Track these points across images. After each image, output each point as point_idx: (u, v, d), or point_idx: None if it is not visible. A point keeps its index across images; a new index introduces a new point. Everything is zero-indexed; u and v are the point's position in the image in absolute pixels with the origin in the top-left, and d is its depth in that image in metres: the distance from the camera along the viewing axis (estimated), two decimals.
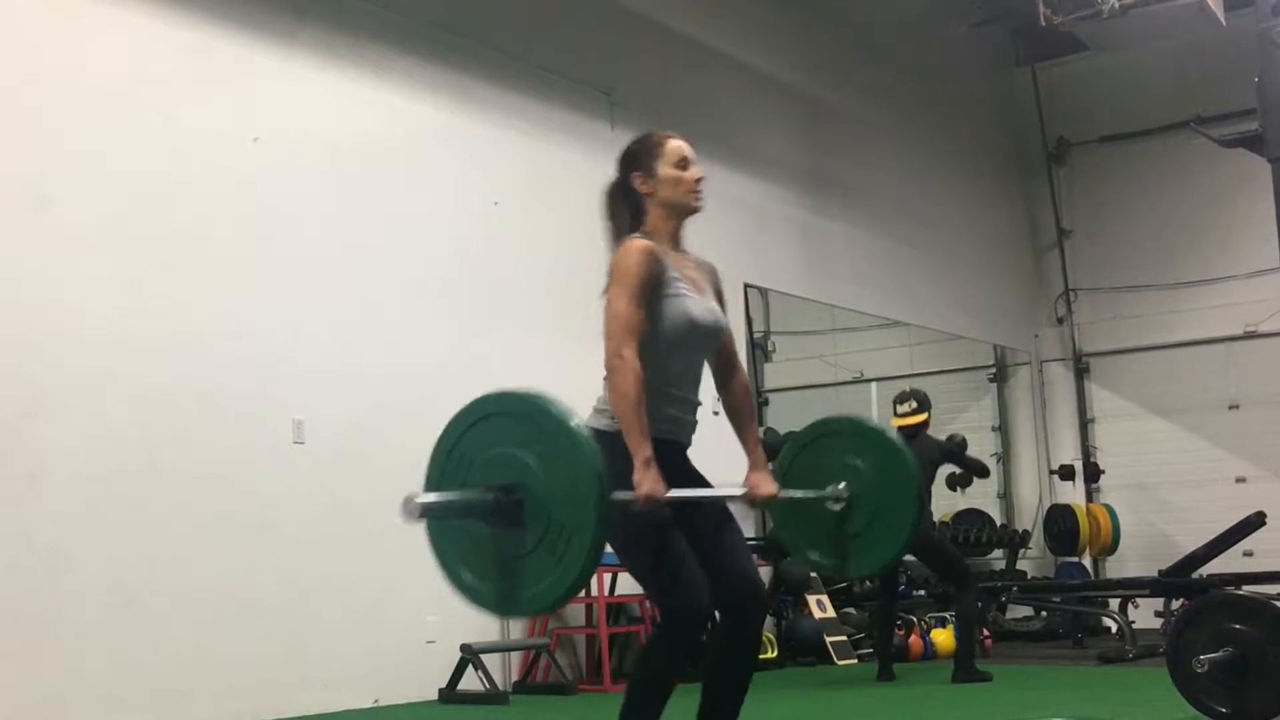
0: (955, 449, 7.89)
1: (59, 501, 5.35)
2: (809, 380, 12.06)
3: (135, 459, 5.64)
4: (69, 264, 5.55)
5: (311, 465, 6.33)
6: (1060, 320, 13.17)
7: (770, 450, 9.68)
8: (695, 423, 3.21)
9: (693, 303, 3.14)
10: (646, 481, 2.91)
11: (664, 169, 3.20)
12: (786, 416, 10.35)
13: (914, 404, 7.65)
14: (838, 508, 3.60)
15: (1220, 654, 4.53)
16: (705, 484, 3.23)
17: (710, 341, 3.23)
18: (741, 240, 9.31)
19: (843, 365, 12.16)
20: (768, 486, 3.29)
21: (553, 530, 2.76)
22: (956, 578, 7.26)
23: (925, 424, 7.64)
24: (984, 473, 8.28)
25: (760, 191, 9.65)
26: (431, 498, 2.92)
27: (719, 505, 3.23)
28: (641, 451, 2.93)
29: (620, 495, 2.86)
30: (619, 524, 3.00)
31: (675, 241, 3.23)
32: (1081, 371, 13.09)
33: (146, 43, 5.99)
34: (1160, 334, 12.51)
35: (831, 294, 10.51)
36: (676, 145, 3.24)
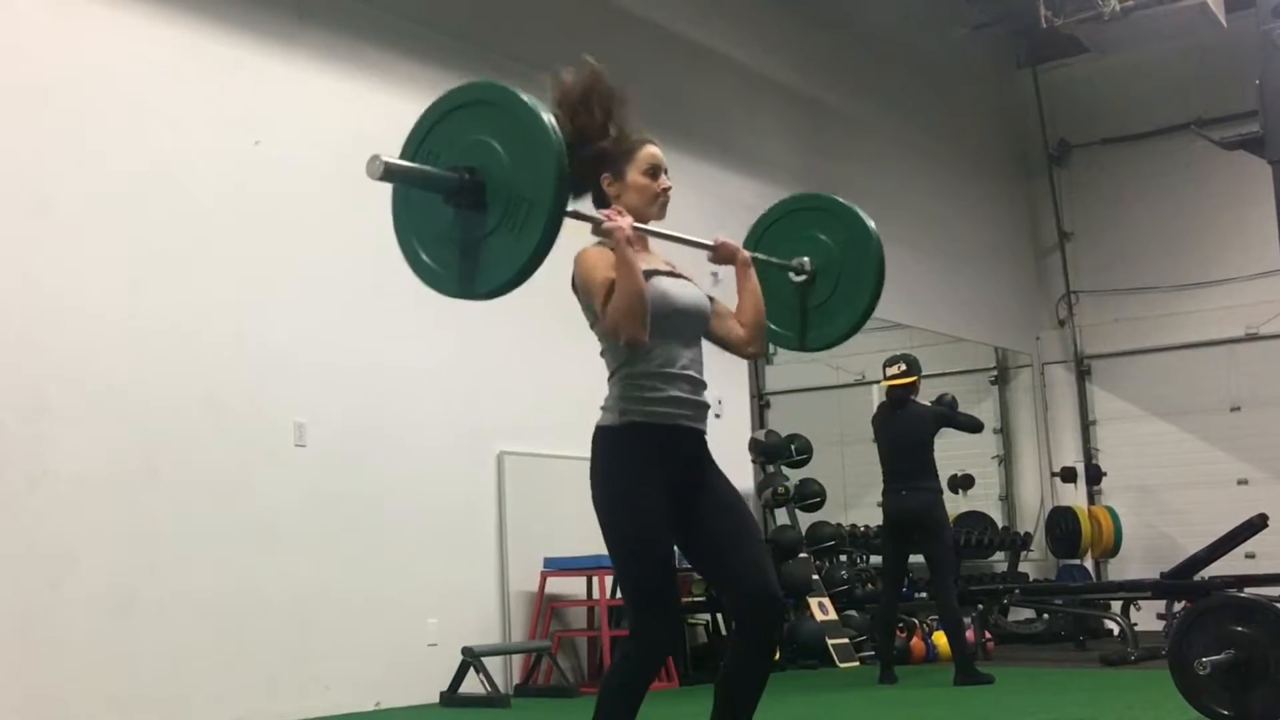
0: (947, 410, 7.82)
1: (61, 504, 5.35)
2: (810, 383, 12.06)
3: (137, 462, 5.65)
4: (71, 267, 5.56)
5: (313, 468, 6.33)
6: (1062, 322, 13.16)
7: (770, 452, 9.73)
8: (706, 405, 3.18)
9: (666, 282, 3.13)
10: (619, 218, 2.99)
11: (634, 174, 3.20)
12: (788, 419, 10.36)
13: (903, 365, 7.54)
14: (800, 279, 3.65)
15: (1222, 656, 4.52)
16: (727, 483, 3.18)
17: (699, 319, 3.20)
18: (742, 242, 9.30)
19: (844, 368, 12.15)
20: (736, 244, 3.40)
21: (513, 206, 2.81)
22: (940, 566, 7.22)
23: (914, 388, 7.53)
24: (978, 427, 8.22)
25: (760, 193, 9.61)
26: (396, 161, 2.98)
27: (734, 499, 3.18)
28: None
29: (589, 215, 3.00)
30: (611, 526, 3.01)
31: (642, 244, 3.21)
32: (1083, 374, 13.08)
33: (148, 45, 6.00)
34: (1162, 336, 12.50)
35: None
36: (650, 152, 3.24)
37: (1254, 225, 12.05)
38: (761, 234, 3.84)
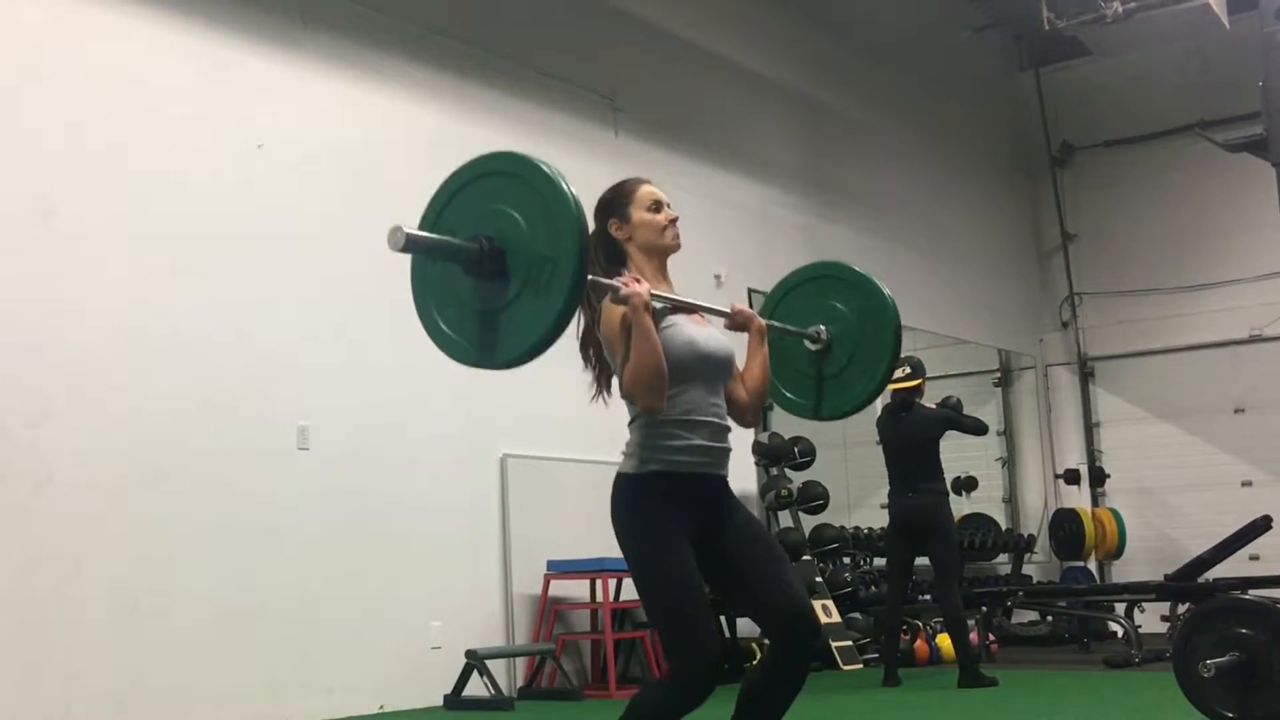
0: (952, 412, 7.82)
1: (65, 508, 5.36)
2: None
3: (140, 466, 5.65)
4: (74, 271, 5.57)
5: (316, 471, 6.34)
6: (1065, 324, 13.16)
7: (774, 455, 9.73)
8: (729, 450, 3.19)
9: (689, 328, 3.16)
10: (630, 284, 3.01)
11: (637, 213, 3.25)
12: (791, 421, 10.34)
13: (908, 369, 7.51)
14: (816, 348, 3.65)
15: (1227, 658, 4.52)
16: (749, 515, 3.19)
17: (724, 365, 3.22)
18: (745, 245, 9.32)
19: None
20: (752, 311, 3.40)
21: (534, 271, 2.82)
22: (944, 568, 7.22)
23: (919, 391, 7.53)
24: (983, 429, 8.22)
25: (764, 196, 9.66)
26: (417, 232, 2.95)
27: (755, 527, 3.19)
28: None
29: (604, 281, 3.00)
30: (637, 560, 3.01)
31: (661, 279, 3.25)
32: (1086, 375, 13.08)
33: (151, 49, 6.01)
34: (1165, 338, 12.50)
35: None
36: (648, 190, 3.29)
37: (1258, 227, 12.06)
38: (778, 301, 3.82)
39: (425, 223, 3.06)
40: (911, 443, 7.37)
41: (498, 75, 7.58)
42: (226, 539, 5.90)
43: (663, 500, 3.03)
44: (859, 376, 3.66)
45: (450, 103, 7.30)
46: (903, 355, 7.71)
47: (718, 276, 8.84)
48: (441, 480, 6.93)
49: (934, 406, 7.69)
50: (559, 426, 7.22)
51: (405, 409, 6.79)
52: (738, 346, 3.26)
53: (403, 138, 7.07)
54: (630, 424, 3.13)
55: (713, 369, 3.18)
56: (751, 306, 9.52)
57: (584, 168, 7.70)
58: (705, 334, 3.20)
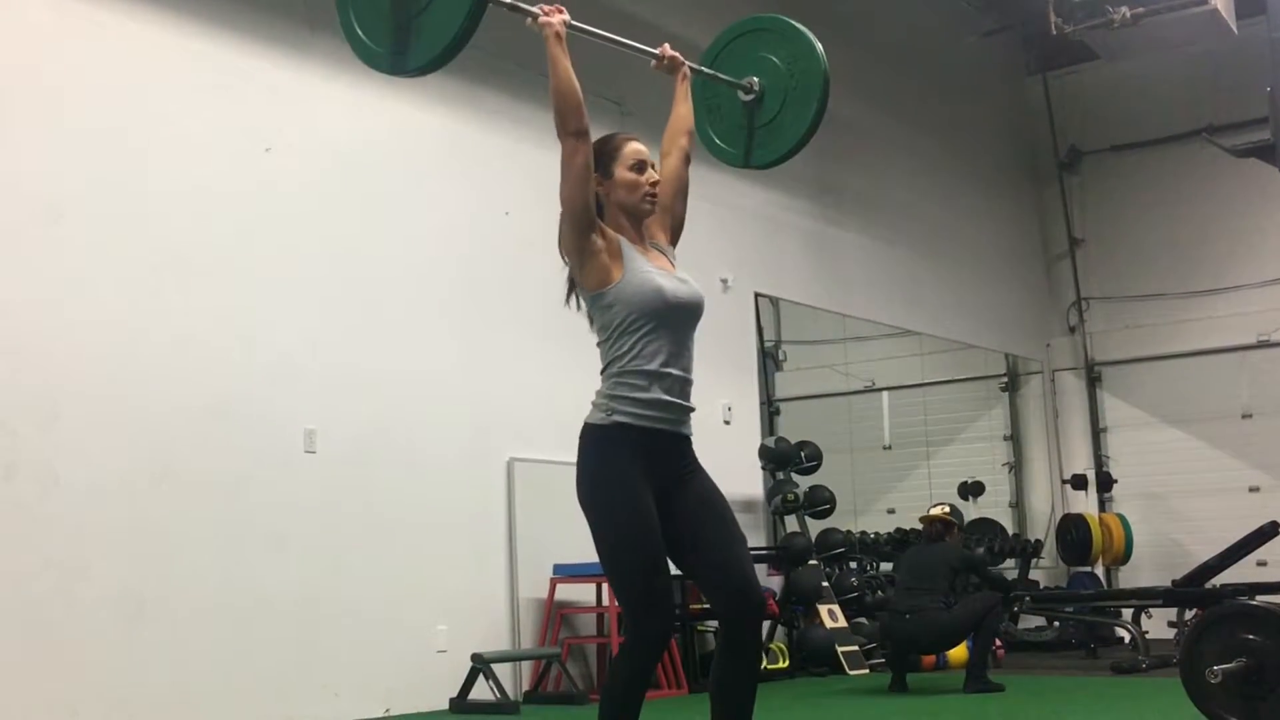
0: (977, 561, 7.95)
1: (72, 511, 5.37)
2: (820, 389, 12.05)
3: (148, 469, 5.66)
4: (81, 274, 5.58)
5: (323, 474, 6.34)
6: (1072, 329, 13.14)
7: (780, 459, 9.70)
8: (692, 407, 3.21)
9: (659, 276, 3.17)
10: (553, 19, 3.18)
11: (620, 171, 3.26)
12: (798, 425, 10.35)
13: (948, 508, 7.75)
14: (749, 99, 3.73)
15: (1234, 665, 4.51)
16: (711, 484, 3.21)
17: (693, 314, 3.23)
18: (752, 249, 9.31)
19: (854, 374, 12.15)
20: (680, 55, 3.55)
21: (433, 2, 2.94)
22: (987, 612, 7.23)
23: (952, 529, 7.66)
24: (1004, 587, 8.30)
25: (771, 201, 9.65)
26: None
27: (716, 499, 3.20)
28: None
29: (523, 4, 3.17)
30: (598, 524, 3.05)
31: (637, 239, 3.27)
32: (1094, 380, 13.06)
33: (159, 54, 6.02)
34: (1173, 343, 12.47)
35: (842, 303, 10.50)
36: (634, 148, 3.30)
37: (1265, 232, 12.07)
38: (715, 56, 3.94)
39: None
40: (930, 567, 7.37)
41: (505, 79, 7.58)
42: (233, 541, 5.91)
43: (627, 453, 3.05)
44: (789, 121, 3.76)
45: (457, 107, 7.30)
46: (943, 502, 7.87)
47: (724, 280, 8.84)
48: (448, 484, 6.94)
49: (963, 549, 7.82)
50: (566, 430, 7.15)
51: (412, 412, 6.80)
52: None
53: (410, 142, 7.08)
54: (603, 372, 3.15)
55: (682, 317, 3.19)
56: (758, 311, 9.56)
57: None
58: (674, 283, 3.20)
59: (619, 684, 3.07)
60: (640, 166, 3.26)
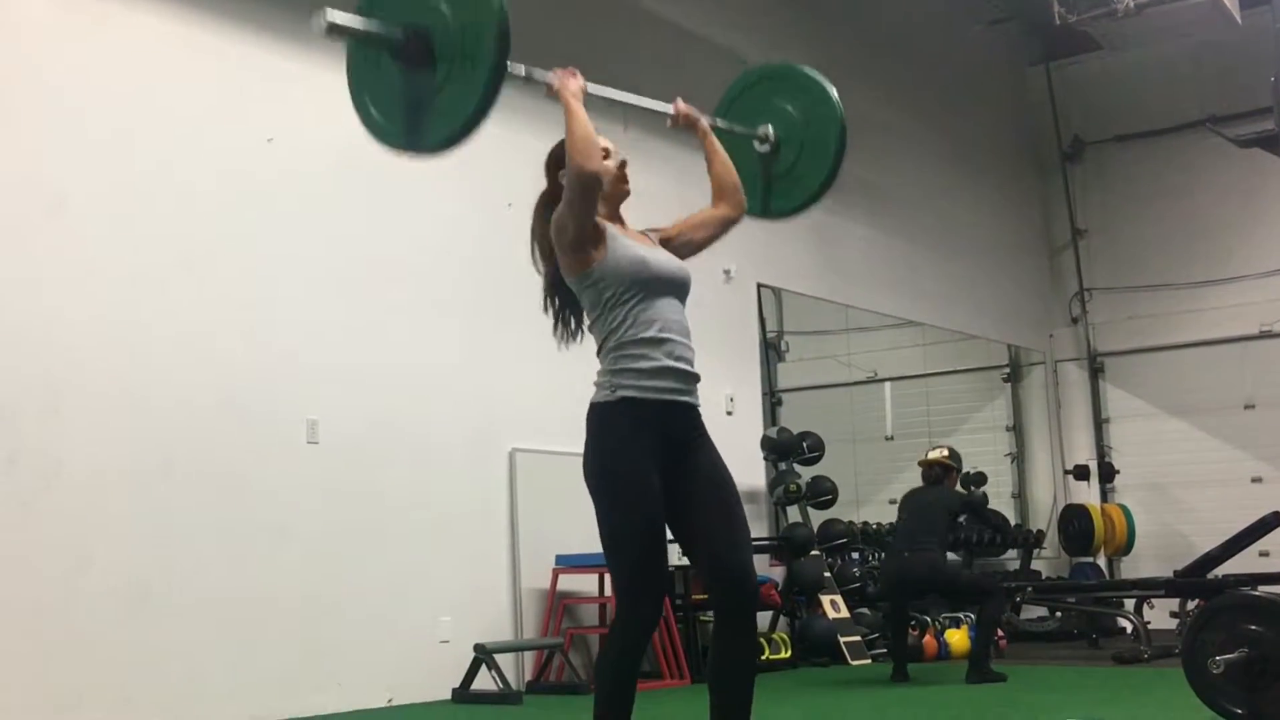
0: (976, 503, 7.95)
1: (76, 502, 5.38)
2: (823, 380, 12.05)
3: (150, 459, 5.67)
4: (83, 265, 5.58)
5: (326, 465, 6.34)
6: (1075, 320, 13.13)
7: (782, 450, 9.71)
8: (696, 375, 3.21)
9: (639, 248, 3.21)
10: (571, 84, 3.13)
11: None
12: (800, 416, 10.35)
13: (945, 451, 7.74)
14: (764, 148, 3.67)
15: (1236, 655, 4.51)
16: (721, 464, 3.21)
17: (678, 283, 3.24)
18: (755, 240, 9.29)
19: (856, 365, 12.15)
20: (695, 110, 3.47)
21: (458, 50, 2.92)
22: (983, 595, 7.28)
23: (951, 473, 7.66)
24: (999, 527, 8.32)
25: None
26: (339, 16, 3.05)
27: (723, 478, 3.21)
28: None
29: (537, 73, 3.11)
30: (603, 507, 3.06)
31: (616, 223, 3.30)
32: (1096, 371, 13.05)
33: (160, 43, 6.01)
34: (1175, 334, 12.46)
35: (845, 294, 10.50)
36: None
37: (1268, 222, 12.05)
38: (728, 107, 3.88)
39: (360, 11, 3.16)
40: (928, 510, 7.41)
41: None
42: (236, 532, 5.92)
43: (634, 428, 3.06)
44: (807, 171, 3.71)
45: None
46: (942, 443, 7.85)
47: (726, 272, 8.84)
48: (451, 475, 6.94)
49: (962, 491, 7.80)
50: (568, 421, 7.16)
51: (415, 403, 6.80)
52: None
53: None
54: (599, 352, 3.16)
55: (668, 287, 3.21)
56: (760, 300, 9.56)
57: None
58: (656, 254, 3.24)
59: (609, 663, 3.09)
60: (605, 154, 3.29)
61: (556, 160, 3.31)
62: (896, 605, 7.47)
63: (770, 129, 3.70)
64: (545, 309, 3.29)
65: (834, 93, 3.73)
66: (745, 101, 3.86)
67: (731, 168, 3.43)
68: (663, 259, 3.24)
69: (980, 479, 11.65)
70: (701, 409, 3.25)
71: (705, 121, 3.48)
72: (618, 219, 3.31)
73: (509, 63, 2.95)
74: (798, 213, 3.85)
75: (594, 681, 3.13)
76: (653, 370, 3.10)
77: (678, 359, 3.15)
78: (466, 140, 2.97)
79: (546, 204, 3.32)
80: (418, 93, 3.03)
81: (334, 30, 3.02)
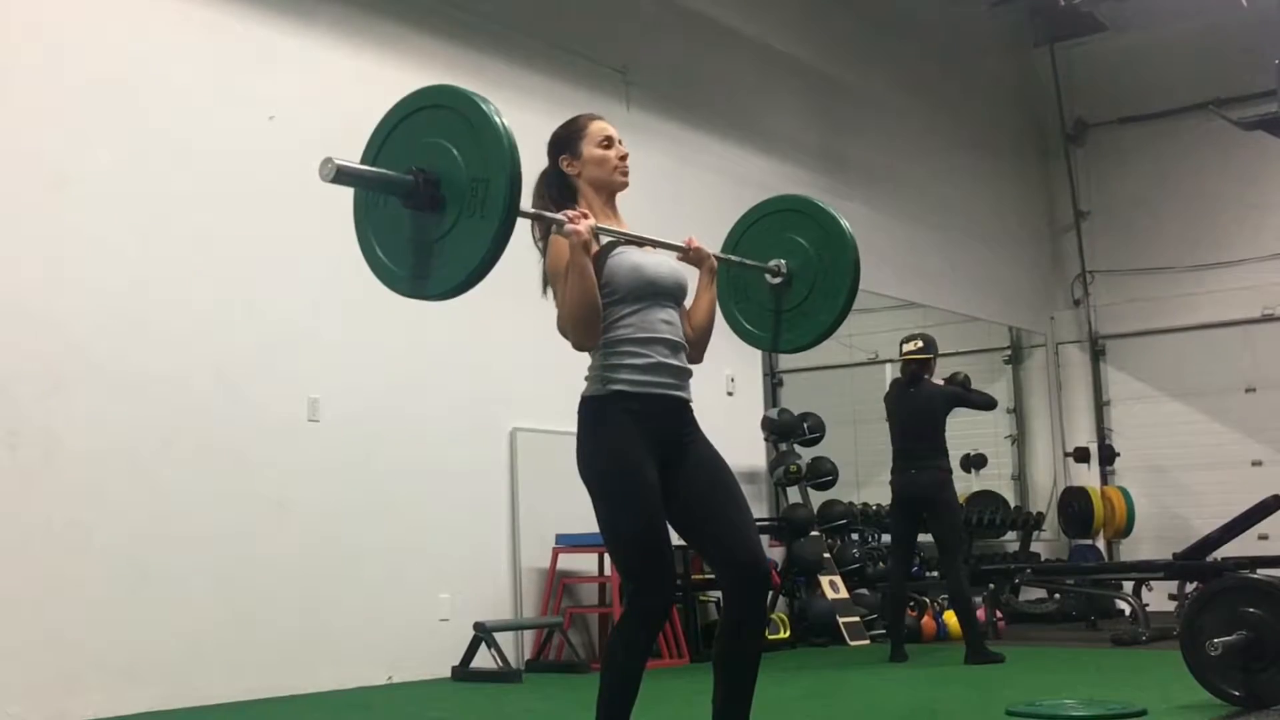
0: (960, 389, 7.83)
1: (76, 479, 5.38)
2: (824, 361, 12.03)
3: (152, 437, 5.67)
4: (84, 241, 5.58)
5: (326, 443, 6.35)
6: (1077, 302, 13.12)
7: (783, 430, 9.72)
8: (688, 370, 3.22)
9: (636, 254, 3.19)
10: (580, 221, 3.03)
11: (588, 149, 3.28)
12: (801, 397, 10.35)
13: (920, 343, 7.57)
14: (776, 281, 3.65)
15: (1234, 637, 4.52)
16: (714, 452, 3.21)
17: (674, 289, 3.23)
18: (720, 244, 9.28)
19: (858, 346, 12.14)
20: (705, 247, 3.39)
21: (468, 198, 2.86)
22: (948, 544, 7.25)
23: (929, 366, 7.54)
24: (991, 404, 8.24)
25: (775, 171, 9.62)
26: (349, 164, 3.00)
27: (719, 466, 3.21)
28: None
29: (547, 215, 3.04)
30: (600, 494, 3.05)
31: (611, 216, 3.30)
32: (1097, 354, 13.05)
33: (163, 20, 6.00)
34: (1177, 316, 12.46)
35: None
36: (599, 125, 3.32)
37: (1271, 206, 12.03)
38: (740, 236, 3.84)
39: (366, 158, 3.11)
40: (917, 418, 7.38)
41: (510, 48, 7.55)
42: (236, 510, 5.93)
43: (627, 421, 3.05)
44: (819, 308, 3.68)
45: (461, 75, 7.26)
46: (915, 331, 7.79)
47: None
48: (451, 453, 6.95)
49: (942, 383, 7.68)
50: (569, 401, 7.17)
51: (416, 382, 6.80)
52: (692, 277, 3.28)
53: None
54: (592, 351, 3.16)
55: (663, 292, 3.20)
56: None
57: None
58: (654, 260, 3.22)
59: (617, 655, 3.07)
60: (608, 142, 3.28)
61: (557, 143, 3.31)
62: (906, 529, 7.43)
63: (783, 263, 3.66)
64: (544, 293, 3.28)
65: (848, 230, 3.70)
66: (759, 230, 3.82)
67: (712, 319, 3.37)
68: (659, 266, 3.22)
69: (981, 460, 11.66)
70: (697, 408, 3.25)
71: (714, 260, 3.40)
72: (611, 210, 3.29)
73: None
74: (807, 348, 3.84)
75: (600, 673, 3.11)
76: (646, 366, 3.10)
77: (673, 357, 3.16)
78: (472, 287, 2.92)
79: (547, 185, 3.30)
80: (425, 236, 2.96)
81: (343, 175, 2.94)
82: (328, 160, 2.89)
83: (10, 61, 5.44)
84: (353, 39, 6.78)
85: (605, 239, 3.13)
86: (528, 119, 8.47)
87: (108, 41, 5.78)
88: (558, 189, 3.28)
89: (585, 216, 3.06)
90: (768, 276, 3.69)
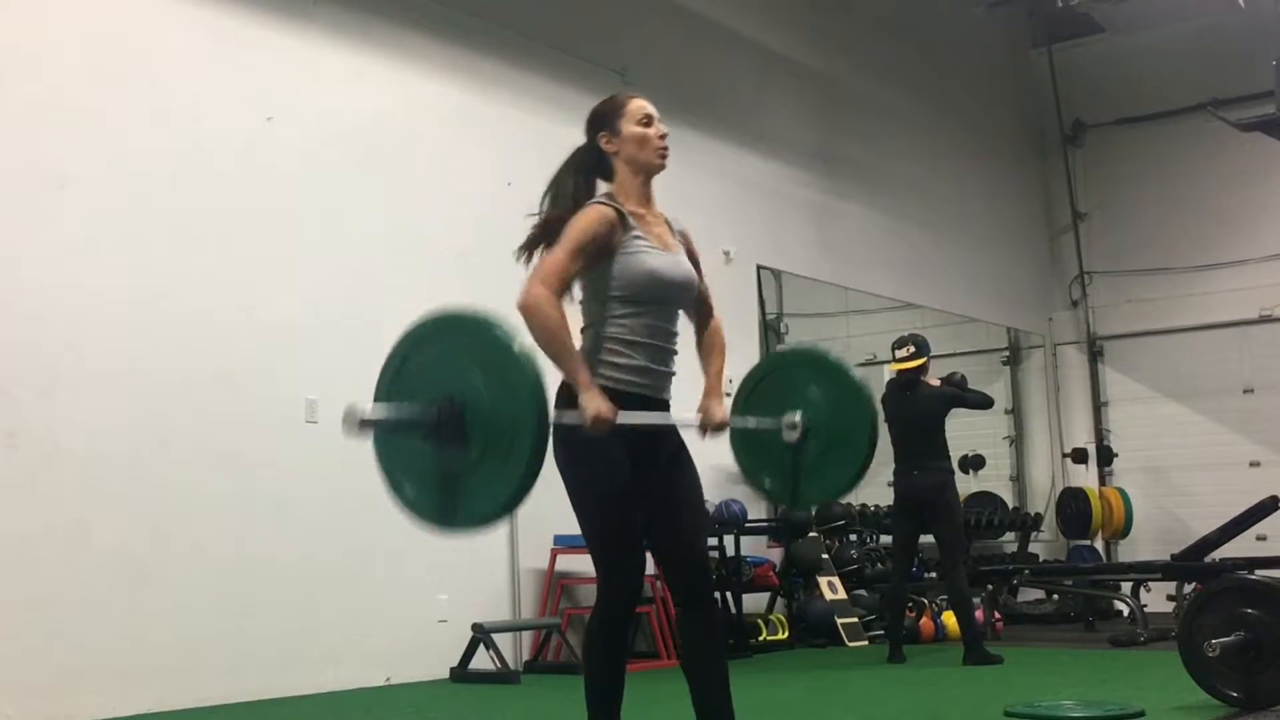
0: (957, 390, 7.80)
1: (74, 479, 5.38)
2: None
3: (150, 437, 5.67)
4: (83, 242, 5.57)
5: (325, 444, 6.32)
6: (1075, 303, 13.13)
7: None
8: (673, 373, 3.23)
9: (654, 256, 3.15)
10: (593, 404, 2.94)
11: (628, 127, 3.24)
12: None
13: (912, 348, 7.50)
14: (793, 436, 3.63)
15: (1232, 638, 4.53)
16: (685, 457, 3.23)
17: (683, 295, 3.23)
18: (756, 222, 9.29)
19: (856, 347, 12.13)
20: (719, 413, 3.33)
21: (487, 455, 2.82)
22: (949, 545, 7.25)
23: (924, 369, 7.50)
24: (988, 404, 8.22)
25: (774, 173, 9.63)
26: (373, 411, 2.95)
27: (685, 464, 3.23)
28: (580, 376, 2.98)
29: (568, 416, 2.94)
30: (576, 487, 3.07)
31: (644, 199, 3.26)
32: (1095, 355, 13.06)
33: (162, 21, 6.00)
34: (1175, 317, 12.47)
35: (845, 276, 10.49)
36: (640, 104, 3.28)
37: (1269, 207, 12.04)
38: (753, 388, 3.81)
39: (380, 386, 3.05)
40: (917, 421, 7.37)
41: (507, 49, 7.55)
42: (235, 511, 5.92)
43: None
44: (835, 467, 3.62)
45: (459, 76, 7.28)
46: (906, 334, 7.78)
47: (726, 253, 8.82)
48: None
49: (938, 383, 7.67)
50: None
51: None
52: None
53: (412, 111, 7.06)
54: (583, 330, 3.16)
55: (670, 293, 3.19)
56: (760, 282, 9.55)
57: None
58: (669, 262, 3.19)
59: (594, 643, 3.12)
60: (647, 120, 3.25)
61: (596, 119, 3.28)
62: (909, 530, 7.44)
63: (797, 418, 3.62)
64: (520, 254, 3.23)
65: (864, 384, 3.67)
66: (770, 385, 3.77)
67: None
68: (675, 269, 3.19)
69: (979, 461, 11.66)
70: (671, 401, 3.26)
71: (725, 423, 3.37)
72: (646, 195, 3.25)
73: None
74: (824, 502, 3.84)
75: (583, 667, 3.13)
76: (630, 367, 3.11)
77: (659, 363, 3.17)
78: (500, 522, 2.88)
79: (580, 164, 3.27)
80: (451, 469, 2.89)
81: (368, 426, 2.90)
82: (350, 413, 2.84)
83: (10, 61, 5.44)
84: (351, 39, 6.78)
85: (626, 420, 3.02)
86: (525, 119, 8.50)
87: (108, 41, 5.78)
88: (591, 168, 3.25)
89: (607, 420, 2.96)
90: (783, 432, 3.65)
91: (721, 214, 8.69)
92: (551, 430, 2.92)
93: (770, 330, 10.44)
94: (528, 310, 2.99)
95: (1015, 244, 12.89)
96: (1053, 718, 4.78)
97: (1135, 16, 12.14)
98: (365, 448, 6.58)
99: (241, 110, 6.25)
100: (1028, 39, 13.41)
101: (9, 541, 5.15)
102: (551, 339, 2.96)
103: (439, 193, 7.07)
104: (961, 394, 7.80)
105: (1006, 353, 13.19)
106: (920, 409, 7.40)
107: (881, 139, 10.91)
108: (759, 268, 9.42)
